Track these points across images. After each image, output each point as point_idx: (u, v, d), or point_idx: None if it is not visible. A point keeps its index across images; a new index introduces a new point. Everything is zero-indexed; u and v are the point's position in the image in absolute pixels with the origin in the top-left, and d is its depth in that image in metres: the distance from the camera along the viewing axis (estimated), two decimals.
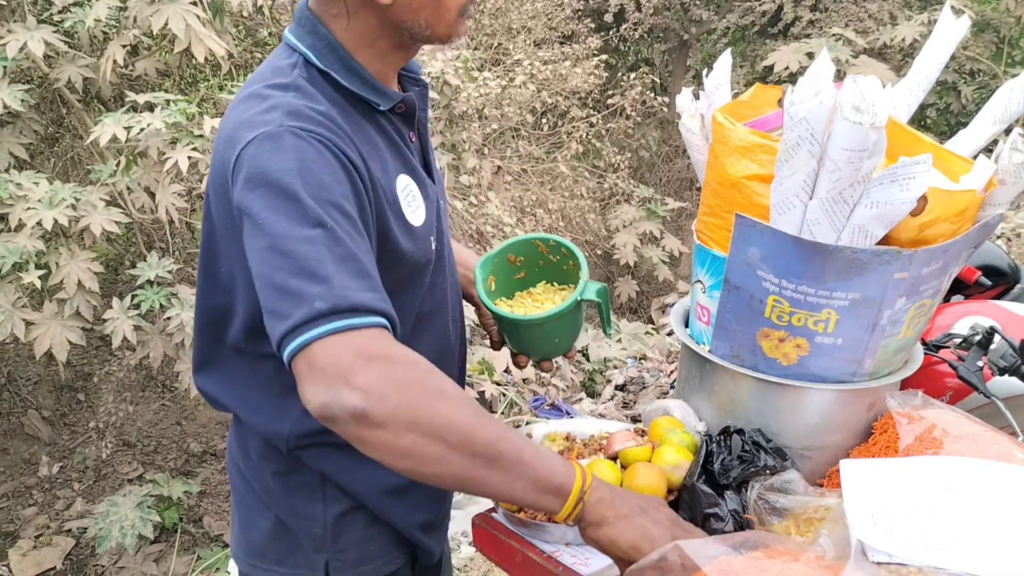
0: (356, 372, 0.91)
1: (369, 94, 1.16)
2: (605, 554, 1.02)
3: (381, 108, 1.17)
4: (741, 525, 1.10)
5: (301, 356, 0.94)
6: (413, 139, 1.26)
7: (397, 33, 1.14)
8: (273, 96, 1.09)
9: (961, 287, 2.20)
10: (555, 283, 1.51)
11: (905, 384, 1.27)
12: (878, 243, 1.07)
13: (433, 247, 1.24)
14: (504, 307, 1.42)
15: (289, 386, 1.10)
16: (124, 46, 3.61)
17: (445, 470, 0.94)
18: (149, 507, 3.66)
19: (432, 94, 4.94)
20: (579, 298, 1.36)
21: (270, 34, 4.56)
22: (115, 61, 3.57)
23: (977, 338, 1.60)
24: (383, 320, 0.98)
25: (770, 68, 5.96)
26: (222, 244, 1.15)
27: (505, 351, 1.52)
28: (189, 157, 3.33)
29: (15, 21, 3.60)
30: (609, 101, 6.43)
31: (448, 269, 1.34)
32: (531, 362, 1.48)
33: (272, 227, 0.99)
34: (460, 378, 1.45)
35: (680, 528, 1.02)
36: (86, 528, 4.01)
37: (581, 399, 4.48)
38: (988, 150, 1.18)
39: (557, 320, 1.37)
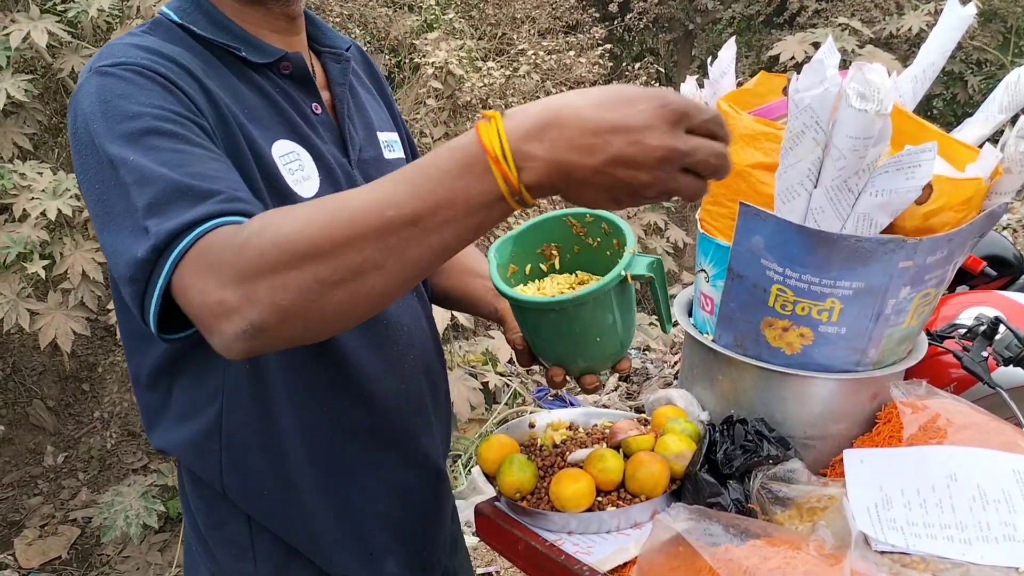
0: (219, 302, 0.78)
1: (232, 42, 1.05)
2: None
3: (249, 59, 1.06)
4: (744, 515, 1.10)
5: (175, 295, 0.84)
6: (317, 111, 1.13)
7: None
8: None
9: (966, 277, 2.19)
10: (590, 273, 1.17)
11: (909, 374, 1.26)
12: (883, 232, 1.06)
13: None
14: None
15: (194, 404, 1.07)
16: None
17: (370, 282, 0.78)
18: (154, 497, 3.68)
19: (435, 84, 4.92)
20: (623, 272, 1.00)
21: None
22: None
23: (982, 328, 1.60)
24: (209, 224, 0.82)
25: (776, 58, 5.93)
26: None
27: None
28: None
29: (18, 11, 3.60)
30: None
31: None
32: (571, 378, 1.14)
33: (84, 185, 0.92)
34: (433, 393, 1.26)
35: (656, 173, 0.73)
36: (91, 518, 4.03)
37: None
38: (994, 139, 1.17)
39: (593, 305, 1.00)
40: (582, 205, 0.78)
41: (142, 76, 0.93)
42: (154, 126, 0.89)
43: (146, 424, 1.15)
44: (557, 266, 1.19)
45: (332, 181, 1.10)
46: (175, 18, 1.05)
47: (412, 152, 1.38)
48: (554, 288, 1.14)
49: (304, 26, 1.17)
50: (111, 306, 3.47)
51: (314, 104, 1.13)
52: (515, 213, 0.80)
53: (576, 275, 1.18)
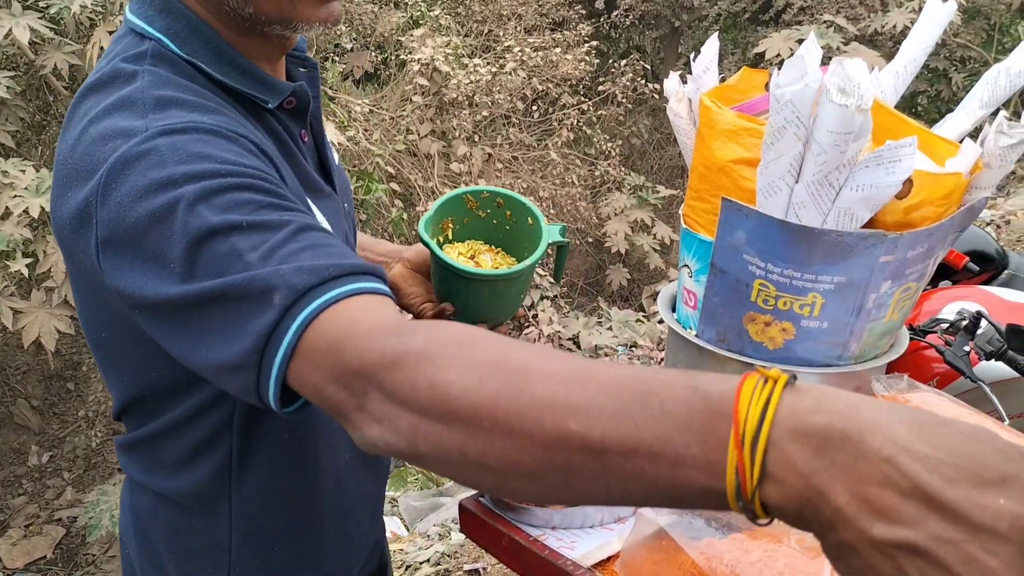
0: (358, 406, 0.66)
1: (253, 89, 0.92)
2: None
3: (270, 106, 0.93)
4: None
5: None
6: (305, 139, 1.03)
7: (224, 12, 0.89)
8: (122, 97, 0.82)
9: (949, 273, 2.21)
10: (476, 240, 1.33)
11: (891, 368, 1.27)
12: (863, 226, 1.07)
13: None
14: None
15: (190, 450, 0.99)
16: (110, 32, 3.58)
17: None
18: None
19: (422, 81, 4.91)
20: (549, 241, 1.21)
21: None
22: (101, 48, 3.54)
23: (964, 323, 1.61)
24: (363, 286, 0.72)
25: (761, 55, 5.95)
26: (84, 304, 0.94)
27: None
28: None
29: (0, 8, 3.57)
30: (600, 88, 6.42)
31: None
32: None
33: (174, 277, 0.72)
34: None
35: None
36: (76, 517, 4.01)
37: None
38: (974, 135, 1.18)
39: (528, 273, 1.21)
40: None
41: (220, 136, 0.79)
42: (250, 184, 0.76)
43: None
44: (451, 236, 1.31)
45: (335, 225, 1.01)
46: (175, 50, 0.88)
47: None
48: (455, 255, 1.26)
49: None
50: None
51: (303, 131, 1.03)
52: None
53: (467, 244, 1.31)
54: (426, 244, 1.18)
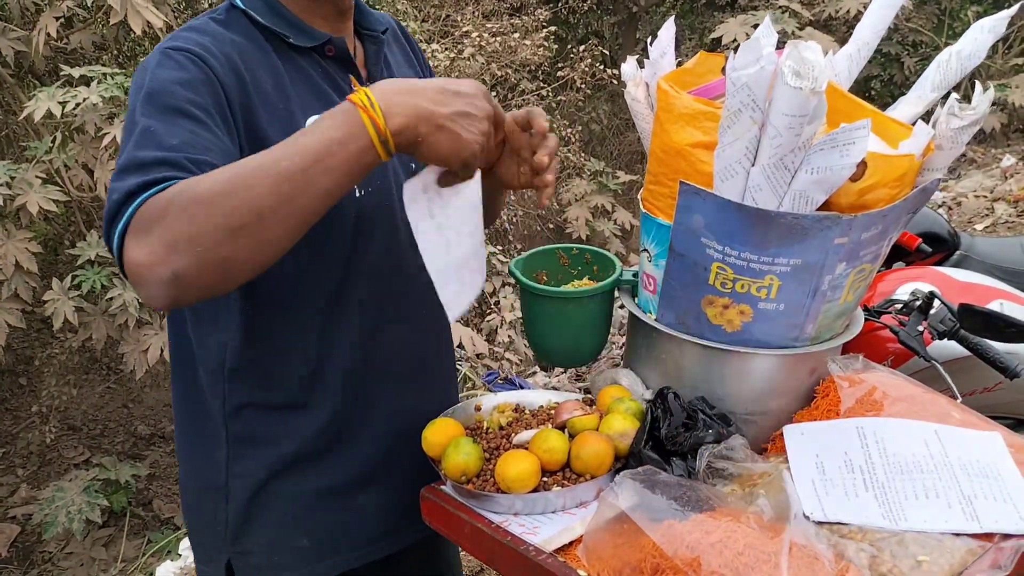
0: (148, 254, 0.90)
1: (283, 28, 1.21)
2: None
3: (294, 42, 1.21)
4: None
5: None
6: (356, 87, 1.26)
7: None
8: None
9: (903, 254, 2.25)
10: None
11: (847, 348, 1.29)
12: (819, 209, 1.08)
13: (358, 193, 1.22)
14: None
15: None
16: (58, 18, 3.49)
17: (268, 235, 0.92)
18: (96, 491, 3.60)
19: None
20: (619, 277, 1.37)
21: (210, 6, 4.44)
22: (48, 34, 3.45)
23: (917, 303, 1.64)
24: (155, 185, 0.94)
25: (718, 40, 5.98)
26: None
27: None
28: None
29: None
30: (559, 74, 6.41)
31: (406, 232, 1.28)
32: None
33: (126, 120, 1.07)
34: (446, 351, 1.46)
35: (485, 125, 1.02)
36: (31, 515, 3.93)
37: (535, 372, 4.49)
38: (926, 117, 1.19)
39: (597, 303, 1.35)
40: (435, 150, 0.98)
41: (193, 63, 1.09)
42: (182, 108, 1.04)
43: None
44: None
45: None
46: (239, 3, 1.21)
47: None
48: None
49: (352, 15, 1.31)
50: (47, 297, 3.37)
51: (352, 79, 1.28)
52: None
53: None
54: (511, 273, 1.42)
